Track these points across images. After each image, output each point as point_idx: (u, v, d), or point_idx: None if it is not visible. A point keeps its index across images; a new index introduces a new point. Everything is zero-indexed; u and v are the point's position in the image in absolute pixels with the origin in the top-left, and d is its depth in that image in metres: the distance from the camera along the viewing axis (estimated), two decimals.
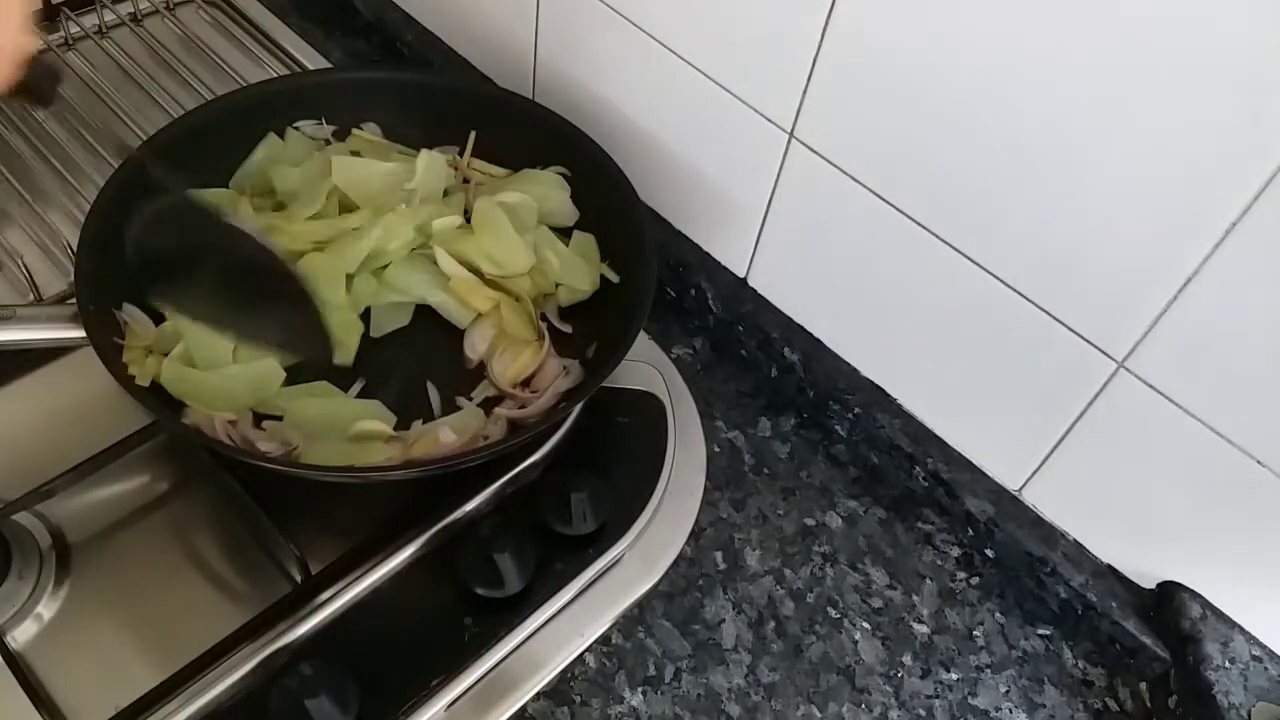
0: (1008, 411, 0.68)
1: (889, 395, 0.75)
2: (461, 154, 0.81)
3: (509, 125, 0.80)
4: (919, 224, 0.65)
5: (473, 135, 0.81)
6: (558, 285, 0.76)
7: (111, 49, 0.93)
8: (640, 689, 0.64)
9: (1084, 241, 0.58)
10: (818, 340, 0.78)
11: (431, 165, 0.77)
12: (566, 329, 0.76)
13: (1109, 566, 0.70)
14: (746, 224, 0.77)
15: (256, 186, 0.78)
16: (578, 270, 0.75)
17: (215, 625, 0.61)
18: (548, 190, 0.78)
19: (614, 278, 0.76)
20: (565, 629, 0.64)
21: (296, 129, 0.80)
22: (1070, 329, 0.61)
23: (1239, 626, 0.65)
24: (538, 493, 0.68)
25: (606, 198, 0.76)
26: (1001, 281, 0.63)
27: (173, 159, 0.73)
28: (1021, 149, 0.58)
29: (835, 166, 0.68)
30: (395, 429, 0.67)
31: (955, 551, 0.74)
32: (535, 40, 0.85)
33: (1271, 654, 0.64)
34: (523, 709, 0.61)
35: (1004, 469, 0.72)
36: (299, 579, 0.63)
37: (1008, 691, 0.68)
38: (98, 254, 0.65)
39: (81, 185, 0.79)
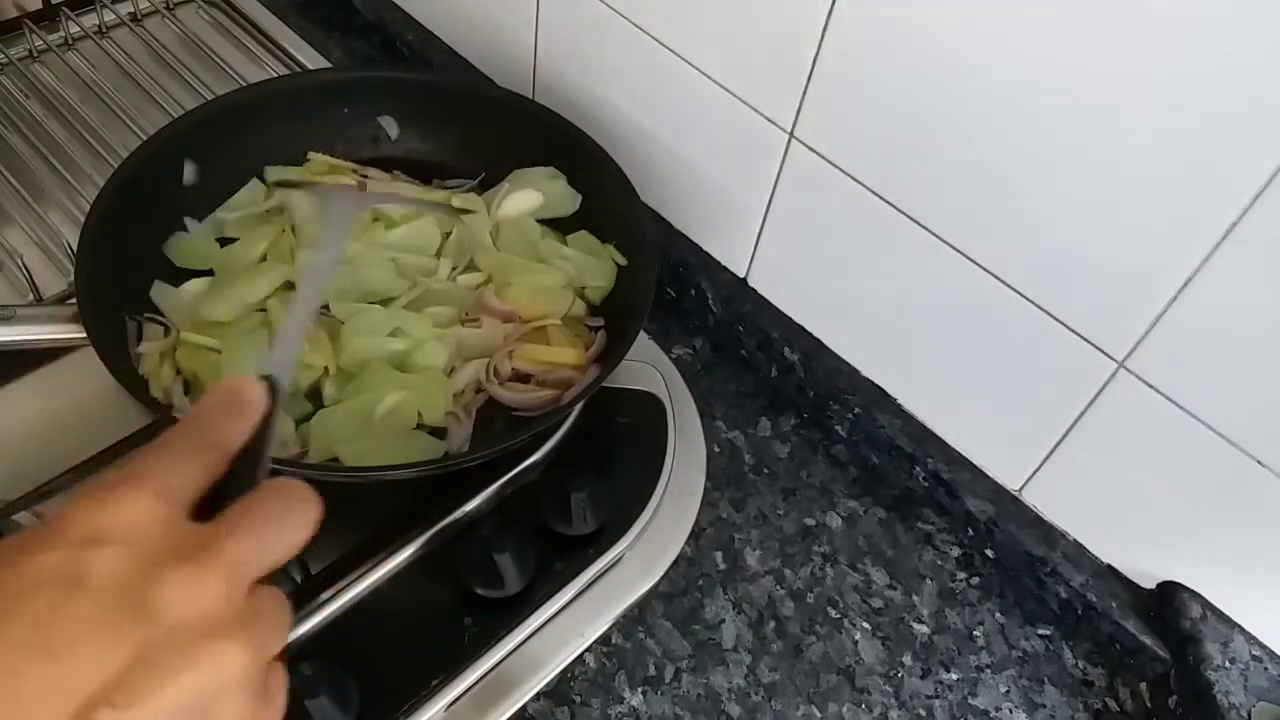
0: (1008, 411, 0.68)
1: (889, 395, 0.75)
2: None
3: (509, 125, 0.80)
4: (919, 224, 0.65)
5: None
6: (583, 288, 0.75)
7: (111, 49, 0.93)
8: (640, 689, 0.64)
9: (1084, 241, 0.58)
10: (818, 340, 0.78)
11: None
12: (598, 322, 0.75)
13: (1109, 566, 0.70)
14: (746, 224, 0.77)
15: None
16: (593, 267, 0.75)
17: None
18: (546, 184, 0.78)
19: (621, 260, 0.76)
20: (565, 629, 0.64)
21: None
22: (1070, 329, 0.61)
23: (1239, 626, 0.65)
24: (538, 493, 0.68)
25: (606, 198, 0.76)
26: (1001, 281, 0.63)
27: (179, 152, 0.74)
28: (1022, 148, 0.58)
29: (835, 166, 0.68)
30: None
31: (955, 551, 0.74)
32: (535, 40, 0.85)
33: (1271, 654, 0.64)
34: (523, 709, 0.61)
35: (1004, 469, 0.72)
36: (299, 579, 0.63)
37: (1008, 691, 0.68)
38: (98, 254, 0.65)
39: (81, 185, 0.79)
